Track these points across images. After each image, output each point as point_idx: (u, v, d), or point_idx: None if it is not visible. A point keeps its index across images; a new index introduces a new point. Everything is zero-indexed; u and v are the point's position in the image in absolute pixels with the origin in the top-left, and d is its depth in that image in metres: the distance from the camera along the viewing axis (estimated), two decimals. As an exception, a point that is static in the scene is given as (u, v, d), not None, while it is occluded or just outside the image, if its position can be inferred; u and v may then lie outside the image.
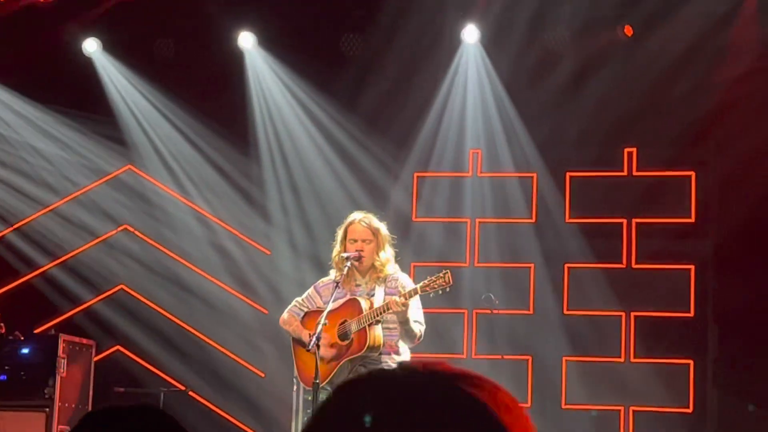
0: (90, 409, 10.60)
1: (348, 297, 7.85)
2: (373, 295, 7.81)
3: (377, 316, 7.64)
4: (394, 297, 7.56)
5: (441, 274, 7.59)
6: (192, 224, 12.01)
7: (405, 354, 7.90)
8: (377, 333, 7.71)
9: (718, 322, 10.85)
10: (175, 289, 11.88)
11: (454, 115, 11.64)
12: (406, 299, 7.50)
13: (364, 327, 7.68)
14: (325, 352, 7.77)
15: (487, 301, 10.68)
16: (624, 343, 11.07)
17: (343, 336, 7.80)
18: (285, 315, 8.12)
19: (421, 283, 7.61)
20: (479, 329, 11.31)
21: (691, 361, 10.88)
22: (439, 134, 11.63)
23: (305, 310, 8.02)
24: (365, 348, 7.69)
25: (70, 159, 12.17)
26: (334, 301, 7.78)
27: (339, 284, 7.79)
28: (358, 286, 7.91)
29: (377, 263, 7.84)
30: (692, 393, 10.83)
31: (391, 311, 7.58)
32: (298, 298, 8.14)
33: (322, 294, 8.00)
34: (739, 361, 10.59)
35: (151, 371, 11.74)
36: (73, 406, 10.51)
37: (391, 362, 7.81)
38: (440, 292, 7.61)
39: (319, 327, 7.57)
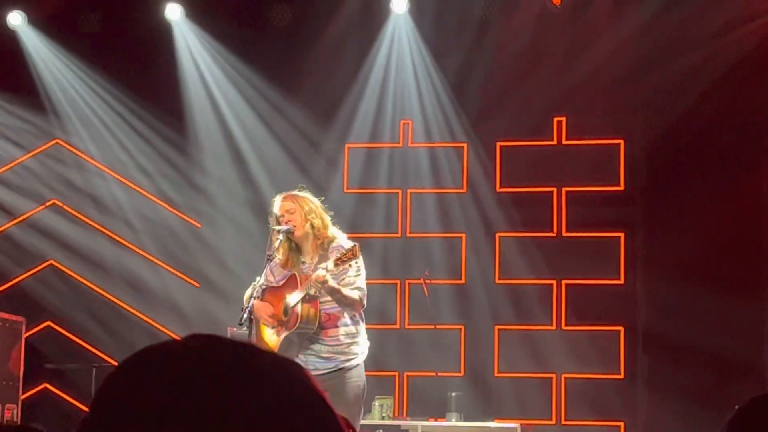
0: (20, 385, 10.51)
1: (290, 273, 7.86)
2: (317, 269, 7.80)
3: (303, 292, 7.66)
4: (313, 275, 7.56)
5: (349, 247, 7.59)
6: (121, 198, 11.91)
7: (347, 325, 7.83)
8: (308, 307, 7.71)
9: (648, 288, 10.96)
10: (105, 264, 11.79)
11: (384, 86, 11.63)
12: (322, 277, 7.49)
13: (298, 302, 7.70)
14: (272, 325, 7.80)
15: (418, 272, 10.72)
16: (555, 311, 11.16)
17: (285, 312, 7.82)
18: (246, 293, 8.10)
19: (332, 259, 7.57)
20: (412, 299, 11.34)
21: (621, 328, 10.98)
22: (369, 105, 11.61)
23: (263, 288, 8.02)
24: (298, 322, 7.71)
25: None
26: (279, 278, 7.84)
27: (286, 265, 7.80)
28: (303, 263, 7.90)
29: (315, 230, 7.79)
30: (623, 359, 10.94)
31: (312, 289, 7.58)
32: (260, 278, 8.05)
33: (274, 272, 8.01)
34: (668, 327, 10.69)
35: (82, 347, 11.65)
36: (3, 383, 10.40)
37: (332, 334, 7.78)
38: (350, 265, 7.58)
39: (251, 301, 7.61)
